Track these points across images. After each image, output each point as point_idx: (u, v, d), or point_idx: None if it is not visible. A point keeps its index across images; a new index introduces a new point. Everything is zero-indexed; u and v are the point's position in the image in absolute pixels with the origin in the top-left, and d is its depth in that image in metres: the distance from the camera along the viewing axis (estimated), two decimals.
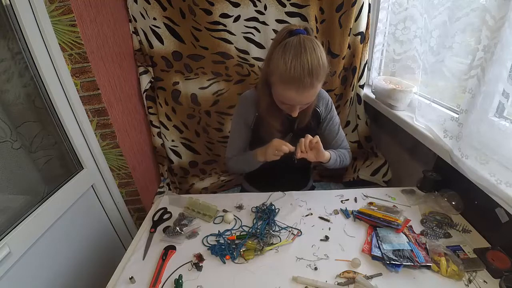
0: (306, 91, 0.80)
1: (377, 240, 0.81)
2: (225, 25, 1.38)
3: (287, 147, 0.87)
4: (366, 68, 1.45)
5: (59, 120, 1.09)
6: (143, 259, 0.82)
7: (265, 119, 0.96)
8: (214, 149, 1.74)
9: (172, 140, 1.69)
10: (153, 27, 1.39)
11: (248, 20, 1.37)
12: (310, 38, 0.78)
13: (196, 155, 1.77)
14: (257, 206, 0.99)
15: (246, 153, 1.04)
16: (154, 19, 1.38)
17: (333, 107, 1.05)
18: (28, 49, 0.97)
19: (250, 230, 0.89)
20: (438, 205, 0.93)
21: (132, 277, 0.74)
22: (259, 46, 1.43)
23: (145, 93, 1.52)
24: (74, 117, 1.14)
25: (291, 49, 0.76)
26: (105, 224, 1.35)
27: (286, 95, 0.82)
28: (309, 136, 0.88)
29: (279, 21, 1.36)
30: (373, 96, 1.41)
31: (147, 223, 0.96)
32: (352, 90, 1.48)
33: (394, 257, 0.74)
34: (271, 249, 0.82)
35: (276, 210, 0.97)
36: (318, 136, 0.89)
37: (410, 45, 1.16)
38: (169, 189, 1.77)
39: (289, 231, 0.89)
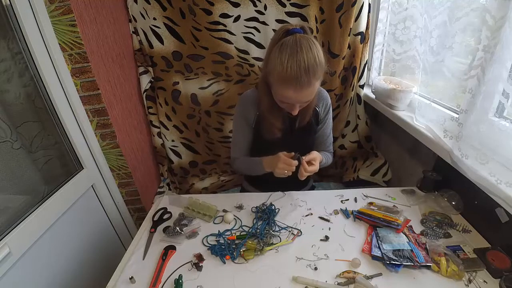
0: (304, 90, 0.80)
1: (377, 240, 0.81)
2: (225, 25, 1.38)
3: (292, 167, 0.89)
4: (366, 68, 1.45)
5: (59, 120, 1.09)
6: (143, 259, 0.82)
7: (266, 118, 0.96)
8: (214, 149, 1.74)
9: (172, 140, 1.69)
10: (153, 27, 1.39)
11: (248, 20, 1.37)
12: (306, 37, 0.78)
13: (196, 155, 1.77)
14: (257, 206, 0.99)
15: (252, 160, 1.04)
16: (154, 19, 1.38)
17: (331, 110, 1.05)
18: (28, 49, 0.97)
19: (250, 230, 0.89)
20: (438, 205, 0.93)
21: (132, 277, 0.74)
22: (259, 46, 1.43)
23: (145, 93, 1.52)
24: (74, 117, 1.14)
25: (287, 49, 0.77)
26: (105, 224, 1.35)
27: (284, 94, 0.82)
28: (316, 166, 0.91)
29: (279, 21, 1.36)
30: (373, 96, 1.41)
31: (147, 223, 0.96)
32: (352, 90, 1.48)
33: (394, 257, 0.74)
34: (271, 249, 0.82)
35: (276, 210, 0.97)
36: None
37: (410, 45, 1.16)
38: (169, 189, 1.77)
39: (289, 231, 0.89)
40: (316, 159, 0.92)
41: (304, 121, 0.99)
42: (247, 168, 1.08)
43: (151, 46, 1.44)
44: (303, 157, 0.90)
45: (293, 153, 0.90)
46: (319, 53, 0.78)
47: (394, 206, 0.95)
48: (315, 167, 0.91)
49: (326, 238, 0.85)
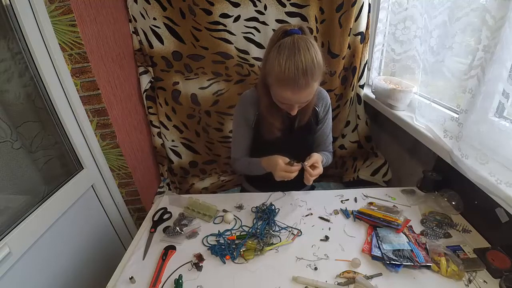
0: (302, 91, 0.80)
1: (377, 240, 0.81)
2: (225, 25, 1.38)
3: (292, 174, 0.88)
4: (366, 68, 1.45)
5: (59, 120, 1.09)
6: (143, 259, 0.82)
7: (265, 118, 0.96)
8: (214, 149, 1.74)
9: (172, 140, 1.69)
10: (153, 27, 1.39)
11: (248, 20, 1.37)
12: (304, 38, 0.78)
13: (196, 155, 1.77)
14: (257, 206, 0.99)
15: (252, 161, 1.04)
16: (154, 19, 1.38)
17: (330, 110, 1.06)
18: (28, 49, 0.97)
19: (250, 230, 0.89)
20: (438, 205, 0.93)
21: (132, 277, 0.74)
22: (259, 46, 1.43)
23: (145, 93, 1.52)
24: (74, 117, 1.14)
25: (285, 50, 0.77)
26: (105, 224, 1.35)
27: (282, 95, 0.82)
28: (320, 169, 0.91)
29: (279, 21, 1.36)
30: (373, 96, 1.41)
31: (147, 223, 0.96)
32: (352, 90, 1.48)
33: (394, 257, 0.74)
34: (271, 249, 0.82)
35: (276, 210, 0.97)
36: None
37: (410, 45, 1.16)
38: (169, 189, 1.77)
39: (289, 231, 0.89)
40: (318, 161, 0.91)
41: (303, 120, 0.99)
42: (247, 170, 1.08)
43: (151, 46, 1.44)
44: (305, 163, 0.89)
45: (288, 160, 0.89)
46: (317, 54, 0.78)
47: (394, 206, 0.95)
48: (319, 170, 0.91)
49: (326, 238, 0.85)
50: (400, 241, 0.79)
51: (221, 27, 1.38)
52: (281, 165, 0.88)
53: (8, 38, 0.94)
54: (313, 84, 0.80)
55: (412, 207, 0.97)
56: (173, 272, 0.77)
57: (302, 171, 0.90)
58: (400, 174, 1.44)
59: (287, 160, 0.89)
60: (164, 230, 0.91)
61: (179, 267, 0.78)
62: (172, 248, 0.84)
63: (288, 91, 0.80)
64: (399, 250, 0.76)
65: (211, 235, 0.89)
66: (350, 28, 1.32)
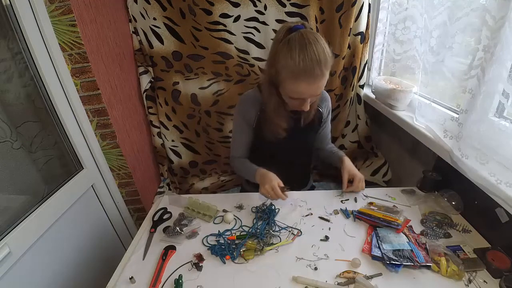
0: (317, 81, 0.81)
1: (377, 240, 0.81)
2: (225, 25, 1.38)
3: (279, 195, 0.90)
4: (366, 68, 1.45)
5: (59, 120, 1.09)
6: (143, 259, 0.82)
7: (271, 119, 0.96)
8: (214, 149, 1.74)
9: (172, 140, 1.69)
10: (153, 27, 1.39)
11: (248, 20, 1.37)
12: (311, 31, 0.80)
13: (196, 155, 1.77)
14: (257, 206, 0.99)
15: (250, 166, 1.05)
16: (154, 19, 1.38)
17: (330, 111, 1.07)
18: (28, 49, 0.97)
19: (250, 230, 0.89)
20: (438, 205, 0.93)
21: (132, 277, 0.74)
22: (259, 46, 1.43)
23: (145, 93, 1.52)
24: (74, 117, 1.14)
25: (296, 44, 0.78)
26: (105, 224, 1.35)
27: (297, 89, 0.83)
28: (362, 183, 0.99)
29: (279, 21, 1.36)
30: (373, 96, 1.41)
31: (147, 223, 0.96)
32: (352, 90, 1.48)
33: (394, 257, 0.74)
34: (271, 249, 0.82)
35: (276, 210, 0.97)
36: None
37: (410, 45, 1.16)
38: (169, 189, 1.77)
39: (289, 231, 0.89)
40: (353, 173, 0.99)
41: (307, 120, 0.99)
42: (242, 171, 1.09)
43: (151, 46, 1.44)
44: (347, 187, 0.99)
45: (282, 184, 0.92)
46: (326, 45, 0.80)
47: (394, 206, 0.95)
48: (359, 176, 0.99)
49: (326, 238, 0.85)
50: (400, 241, 0.79)
51: (221, 27, 1.38)
52: (273, 183, 0.90)
53: (8, 38, 0.94)
54: (326, 73, 0.82)
55: (412, 207, 0.97)
56: (173, 272, 0.77)
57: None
58: (400, 174, 1.44)
59: (282, 184, 0.92)
60: (164, 230, 0.91)
61: (179, 267, 0.78)
62: (172, 248, 0.84)
63: (303, 83, 0.81)
64: (399, 250, 0.76)
65: (211, 235, 0.89)
66: (350, 28, 1.32)
